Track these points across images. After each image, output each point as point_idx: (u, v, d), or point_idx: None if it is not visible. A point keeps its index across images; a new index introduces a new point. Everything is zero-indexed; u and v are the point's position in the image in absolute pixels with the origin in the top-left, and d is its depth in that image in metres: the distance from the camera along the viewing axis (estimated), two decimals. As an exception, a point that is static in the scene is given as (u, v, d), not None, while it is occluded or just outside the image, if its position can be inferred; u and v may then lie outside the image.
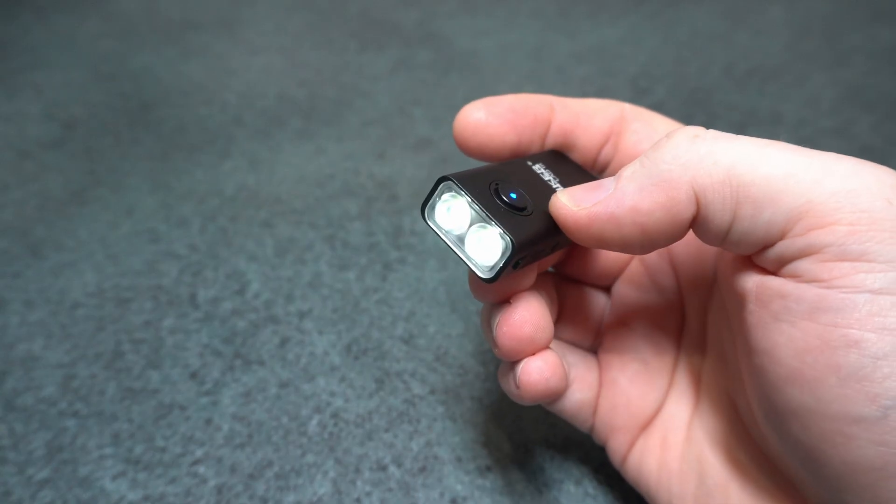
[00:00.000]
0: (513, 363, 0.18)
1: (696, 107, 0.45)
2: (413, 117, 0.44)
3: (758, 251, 0.15)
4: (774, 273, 0.15)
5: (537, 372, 0.18)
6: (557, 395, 0.18)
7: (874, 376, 0.13)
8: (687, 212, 0.15)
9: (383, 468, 0.24)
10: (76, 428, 0.26)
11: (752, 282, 0.15)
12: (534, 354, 0.18)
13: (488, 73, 0.50)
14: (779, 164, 0.14)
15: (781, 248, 0.14)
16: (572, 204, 0.16)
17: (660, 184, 0.15)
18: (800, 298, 0.14)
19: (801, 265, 0.14)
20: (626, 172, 0.16)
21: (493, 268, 0.16)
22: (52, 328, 0.30)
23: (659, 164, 0.15)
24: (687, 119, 0.43)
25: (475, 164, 0.19)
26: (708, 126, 0.16)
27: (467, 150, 0.19)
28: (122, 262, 0.33)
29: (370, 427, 0.26)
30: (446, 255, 0.33)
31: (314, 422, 0.26)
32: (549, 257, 0.20)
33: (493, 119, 0.19)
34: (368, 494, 0.23)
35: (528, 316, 0.18)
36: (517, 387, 0.18)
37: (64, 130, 0.43)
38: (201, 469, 0.24)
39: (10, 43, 0.54)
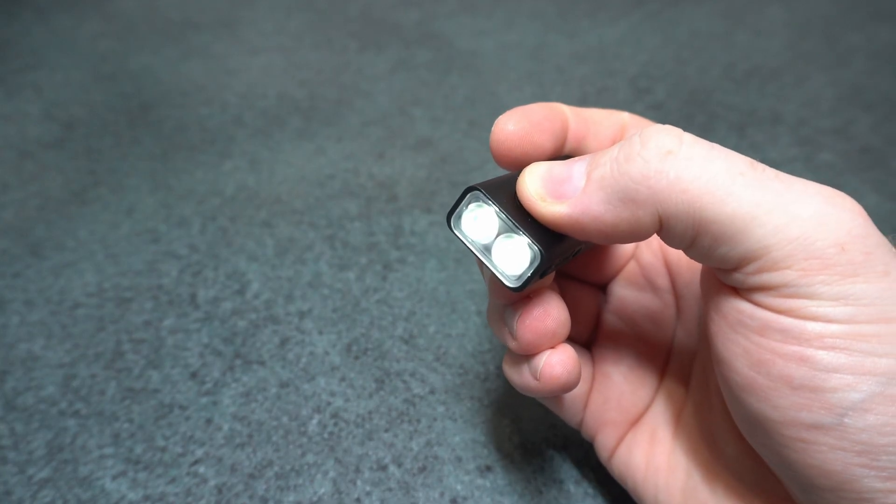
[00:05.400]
0: (527, 357, 0.18)
1: (696, 107, 0.45)
2: (413, 117, 0.44)
3: (716, 269, 0.15)
4: (733, 289, 0.15)
5: (560, 365, 0.18)
6: (573, 387, 0.19)
7: (826, 386, 0.13)
8: (650, 229, 0.15)
9: (383, 468, 0.24)
10: (76, 428, 0.26)
11: (714, 291, 0.16)
12: (553, 348, 0.18)
13: (488, 73, 0.50)
14: (744, 203, 0.14)
15: (737, 277, 0.15)
16: (538, 196, 0.16)
17: (626, 201, 0.15)
18: (753, 315, 0.14)
19: (755, 295, 0.14)
20: (596, 175, 0.15)
21: (520, 277, 0.16)
22: (52, 328, 0.30)
23: (626, 181, 0.15)
24: (687, 119, 0.43)
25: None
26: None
27: (509, 161, 0.19)
28: (123, 262, 0.33)
29: (370, 427, 0.26)
30: (446, 254, 0.33)
31: (314, 422, 0.26)
32: None
33: (532, 128, 0.18)
34: (368, 494, 0.23)
35: (549, 310, 0.18)
36: (537, 379, 0.18)
37: (64, 130, 0.43)
38: (201, 469, 0.24)
39: (10, 43, 0.54)
